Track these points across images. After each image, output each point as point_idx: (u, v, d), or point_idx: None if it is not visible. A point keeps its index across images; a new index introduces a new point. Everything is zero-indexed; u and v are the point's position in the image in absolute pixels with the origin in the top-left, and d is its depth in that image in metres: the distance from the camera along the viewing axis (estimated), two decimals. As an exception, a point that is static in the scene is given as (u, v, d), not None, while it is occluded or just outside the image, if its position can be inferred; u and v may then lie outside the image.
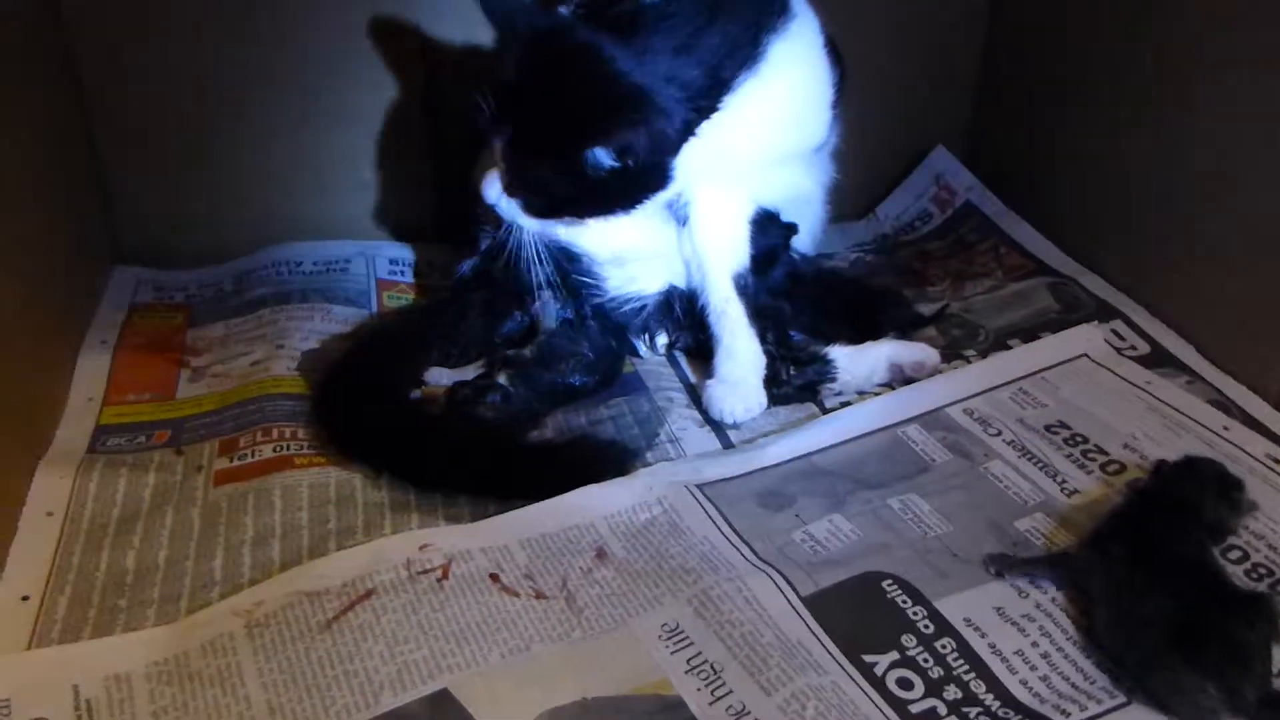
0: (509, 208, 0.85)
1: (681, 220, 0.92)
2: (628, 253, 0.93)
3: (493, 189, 0.85)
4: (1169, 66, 0.98)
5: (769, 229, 0.94)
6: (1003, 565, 0.72)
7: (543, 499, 0.76)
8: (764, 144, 0.88)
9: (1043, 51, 1.15)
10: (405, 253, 1.11)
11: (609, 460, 0.81)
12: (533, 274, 0.89)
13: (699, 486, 0.79)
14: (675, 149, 0.83)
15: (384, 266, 1.09)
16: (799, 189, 0.97)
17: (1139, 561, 0.67)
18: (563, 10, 0.87)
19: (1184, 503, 0.73)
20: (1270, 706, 0.59)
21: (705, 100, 0.83)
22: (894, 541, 0.75)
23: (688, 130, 0.83)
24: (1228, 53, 0.91)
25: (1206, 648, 0.61)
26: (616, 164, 0.81)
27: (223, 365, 0.94)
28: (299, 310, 1.00)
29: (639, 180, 0.84)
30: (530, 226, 0.87)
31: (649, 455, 0.84)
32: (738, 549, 0.73)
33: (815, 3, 0.95)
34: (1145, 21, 1.00)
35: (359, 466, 0.80)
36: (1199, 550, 0.70)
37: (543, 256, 0.89)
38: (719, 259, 0.91)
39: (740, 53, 0.84)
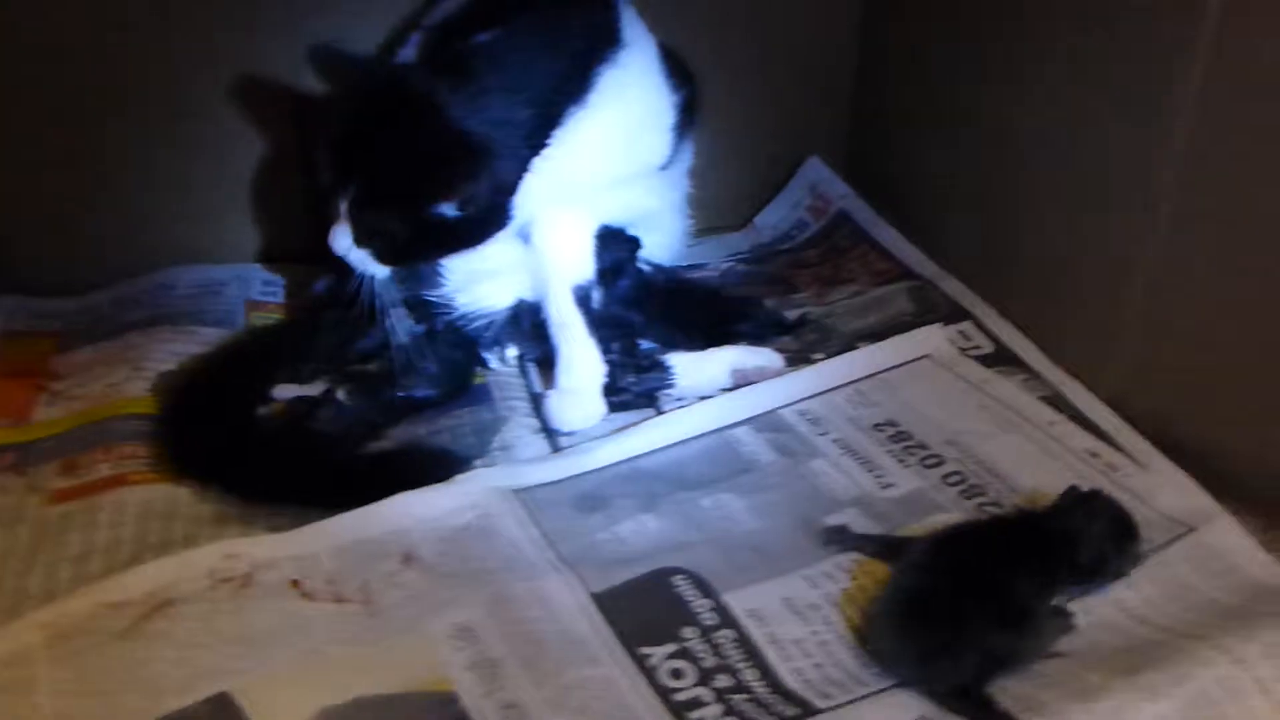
0: (359, 258, 0.87)
1: (525, 238, 0.94)
2: (477, 272, 0.95)
3: (341, 241, 0.86)
4: (1007, 75, 1.00)
5: (613, 244, 0.97)
6: (836, 539, 0.75)
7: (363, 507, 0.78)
8: (598, 170, 0.91)
9: (910, 63, 1.17)
10: (280, 275, 1.14)
11: (435, 468, 0.83)
12: (385, 294, 0.91)
13: (517, 491, 0.81)
14: (514, 189, 0.86)
15: (257, 289, 1.12)
16: (643, 207, 1.00)
17: (956, 564, 0.69)
18: (409, 46, 0.90)
19: (1065, 533, 0.71)
20: (959, 697, 0.62)
21: (538, 137, 0.86)
22: (696, 538, 0.76)
23: (524, 169, 0.86)
24: (1054, 63, 0.94)
25: (922, 620, 0.63)
26: (460, 213, 0.84)
27: (81, 389, 0.95)
28: (165, 333, 1.02)
29: (482, 223, 0.87)
30: (381, 274, 0.89)
31: (478, 463, 0.86)
32: (543, 551, 0.75)
33: (668, 19, 0.99)
34: (991, 36, 1.03)
35: (188, 481, 0.82)
36: (1030, 575, 0.68)
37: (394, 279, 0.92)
38: (559, 274, 0.93)
39: (570, 86, 0.86)
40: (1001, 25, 1.00)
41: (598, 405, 0.91)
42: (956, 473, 0.83)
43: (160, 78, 1.06)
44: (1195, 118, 0.80)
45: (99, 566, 0.75)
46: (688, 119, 1.00)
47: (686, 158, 1.06)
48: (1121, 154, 0.87)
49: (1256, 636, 0.65)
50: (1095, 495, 0.73)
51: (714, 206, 1.19)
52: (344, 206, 0.85)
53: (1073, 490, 0.74)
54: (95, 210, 1.10)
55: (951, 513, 0.79)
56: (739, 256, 1.23)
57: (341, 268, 0.90)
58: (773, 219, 1.27)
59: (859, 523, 0.78)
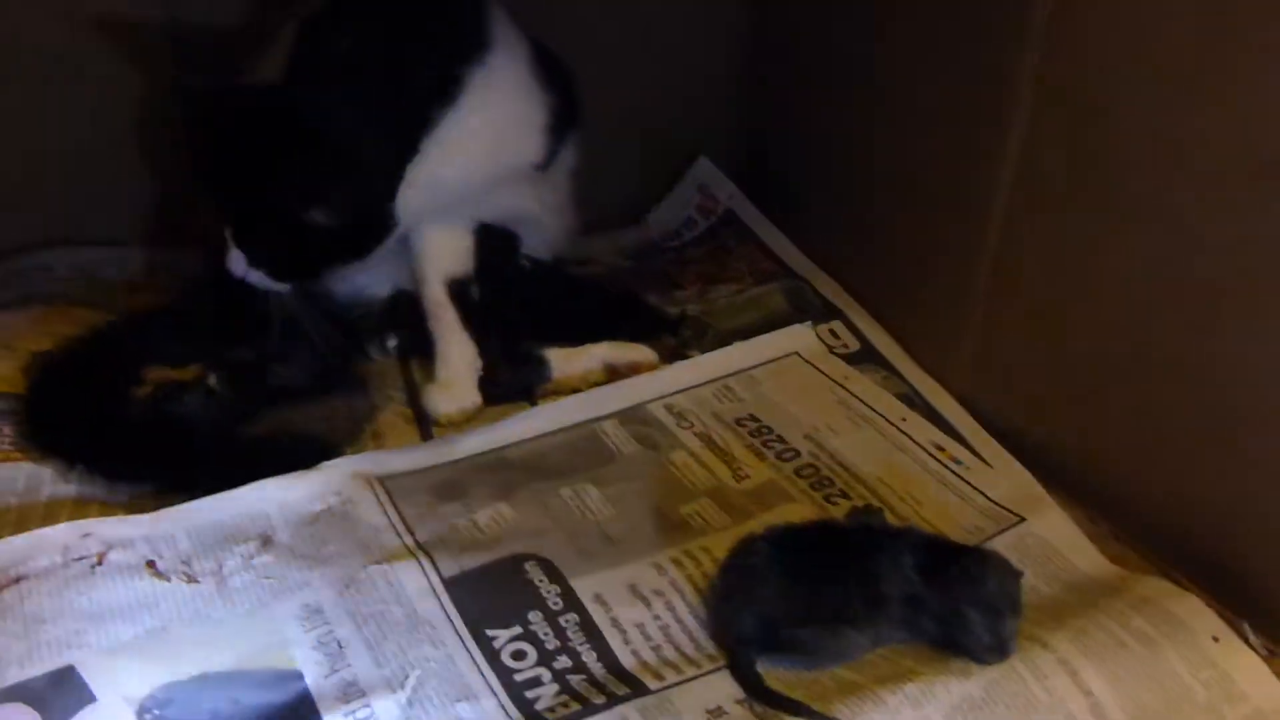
0: (258, 278, 0.88)
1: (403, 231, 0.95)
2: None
3: (238, 265, 0.87)
4: (866, 79, 1.05)
5: (490, 240, 0.98)
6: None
7: (228, 489, 0.80)
8: (471, 172, 0.92)
9: (792, 65, 1.21)
10: (163, 256, 1.13)
11: (302, 454, 0.84)
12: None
13: (380, 479, 0.83)
14: (391, 194, 0.87)
15: (137, 269, 1.11)
16: (521, 208, 1.01)
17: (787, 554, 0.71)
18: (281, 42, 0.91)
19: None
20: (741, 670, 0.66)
21: (407, 141, 0.87)
22: (551, 526, 0.79)
23: (396, 173, 0.87)
24: (902, 65, 0.99)
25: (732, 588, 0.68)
26: (336, 222, 0.85)
27: (-50, 368, 0.95)
28: (38, 313, 1.02)
29: (364, 229, 0.88)
30: (283, 288, 0.89)
31: (348, 450, 0.87)
32: (400, 536, 0.77)
33: (555, 17, 1.01)
34: (856, 38, 1.06)
35: (52, 460, 0.83)
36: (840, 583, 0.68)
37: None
38: (433, 268, 0.95)
39: (437, 88, 0.87)
40: (868, 34, 1.04)
41: (472, 396, 0.93)
42: (810, 466, 0.87)
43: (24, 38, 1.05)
44: (1029, 115, 0.84)
45: (-50, 543, 0.76)
46: (564, 120, 1.01)
47: (568, 159, 1.07)
48: (959, 153, 0.92)
49: (1067, 622, 0.69)
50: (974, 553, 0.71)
51: (606, 203, 1.22)
52: (228, 233, 0.85)
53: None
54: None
55: (800, 503, 0.82)
56: (626, 253, 1.26)
57: (219, 252, 0.91)
58: (663, 217, 1.30)
59: (710, 512, 0.81)
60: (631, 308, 1.09)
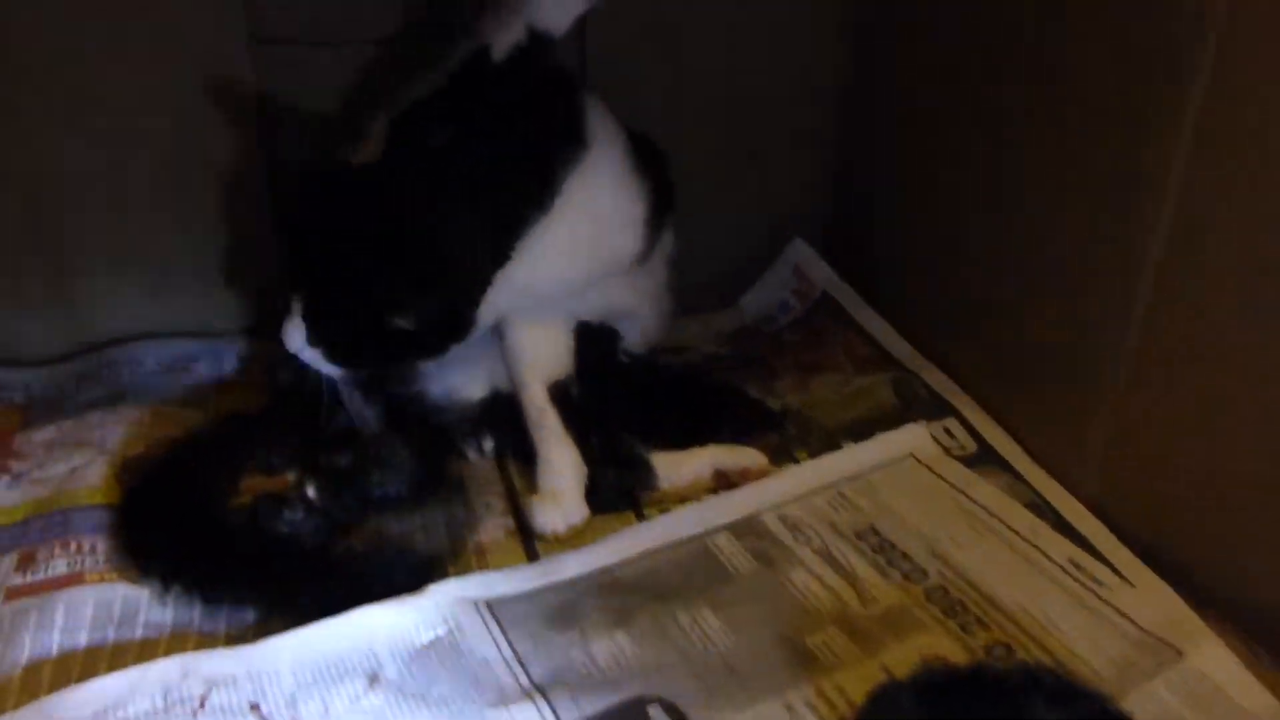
0: (311, 357, 0.85)
1: (499, 334, 0.92)
2: (449, 361, 0.93)
3: (294, 338, 0.84)
4: (985, 159, 0.99)
5: (590, 339, 0.95)
6: None
7: (329, 615, 0.76)
8: (565, 275, 0.89)
9: (891, 146, 1.17)
10: (256, 348, 1.11)
11: (405, 574, 0.80)
12: (346, 386, 0.89)
13: (488, 603, 0.79)
14: (474, 301, 0.84)
15: (230, 365, 1.09)
16: (621, 303, 0.98)
17: None
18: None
19: None
20: None
21: (499, 248, 0.84)
22: (673, 660, 0.74)
23: (485, 282, 0.84)
24: (1032, 149, 0.93)
25: None
26: (414, 326, 0.82)
27: (42, 471, 0.93)
28: (131, 413, 0.99)
29: (439, 335, 0.85)
30: (335, 374, 0.87)
31: (451, 567, 0.84)
32: (514, 673, 0.73)
33: (647, 102, 0.98)
34: (969, 122, 1.02)
35: (148, 581, 0.80)
36: None
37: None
38: (533, 372, 0.91)
39: (531, 192, 0.84)
40: (979, 110, 1.00)
41: (580, 508, 0.89)
42: (940, 588, 0.81)
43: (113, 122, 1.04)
44: (1177, 208, 0.78)
45: (49, 676, 0.73)
46: (661, 207, 0.97)
47: (665, 245, 1.04)
48: (1100, 241, 0.86)
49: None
50: None
51: (699, 287, 1.18)
52: (297, 306, 0.83)
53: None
54: (60, 276, 1.08)
55: (933, 633, 0.77)
56: (722, 339, 1.21)
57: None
58: (757, 300, 1.26)
59: (838, 643, 0.76)
60: (733, 403, 1.04)
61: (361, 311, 0.82)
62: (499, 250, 0.83)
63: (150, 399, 1.02)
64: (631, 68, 1.11)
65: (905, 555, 0.85)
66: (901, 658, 0.75)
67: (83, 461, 0.93)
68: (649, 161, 0.97)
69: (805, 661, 0.75)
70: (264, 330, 1.11)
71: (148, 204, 1.06)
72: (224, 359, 1.09)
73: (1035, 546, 0.85)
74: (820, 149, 1.24)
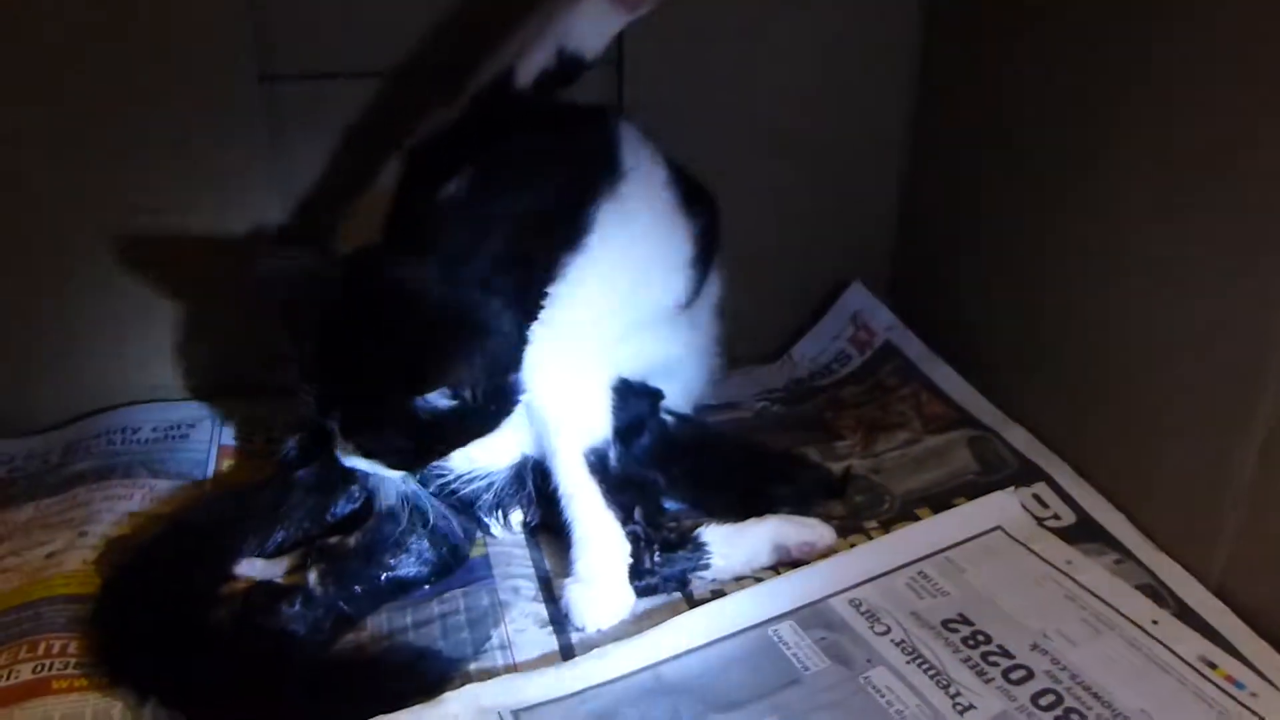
0: (372, 466, 0.75)
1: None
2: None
3: (350, 459, 0.74)
4: (1086, 194, 0.88)
5: (630, 399, 0.84)
6: None
7: (331, 730, 0.65)
8: (606, 324, 0.79)
9: (963, 182, 1.06)
10: (263, 411, 1.00)
11: (418, 678, 0.69)
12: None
13: (516, 713, 0.67)
14: (517, 364, 0.74)
15: (237, 427, 0.99)
16: (663, 355, 0.88)
17: None
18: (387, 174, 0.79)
19: None
20: None
21: (532, 298, 0.74)
22: (738, 788, 0.62)
23: (522, 338, 0.74)
24: (1145, 189, 0.82)
25: None
26: (455, 402, 0.71)
27: (16, 558, 0.82)
28: (119, 487, 0.89)
29: (488, 406, 0.74)
30: (398, 475, 0.78)
31: (472, 667, 0.72)
32: (545, 801, 0.61)
33: (690, 137, 0.88)
34: (1072, 147, 0.90)
35: (122, 692, 0.69)
36: None
37: None
38: (567, 438, 0.80)
39: (562, 230, 0.75)
40: (1085, 136, 0.88)
41: (626, 596, 0.78)
42: (1049, 691, 0.68)
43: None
44: None
45: (4, 809, 0.62)
46: (708, 250, 0.88)
47: (712, 292, 0.94)
48: (1232, 287, 0.74)
49: None
50: None
51: (746, 337, 1.07)
52: (335, 428, 0.73)
53: None
54: (43, 338, 0.98)
55: (1048, 748, 0.64)
56: (774, 395, 1.10)
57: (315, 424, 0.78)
58: (811, 351, 1.14)
59: (934, 762, 0.64)
60: (789, 469, 0.93)
61: (394, 406, 0.71)
62: (532, 299, 0.73)
63: (144, 471, 0.92)
64: (673, 97, 1.01)
65: (1003, 650, 0.72)
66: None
67: (62, 545, 0.83)
68: (694, 199, 0.87)
69: (898, 789, 0.62)
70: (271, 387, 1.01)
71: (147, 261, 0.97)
72: (227, 422, 0.99)
73: (1158, 641, 0.72)
74: (883, 187, 1.13)
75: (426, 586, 0.80)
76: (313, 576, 0.75)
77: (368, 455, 0.73)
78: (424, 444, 0.73)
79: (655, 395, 0.88)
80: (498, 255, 0.72)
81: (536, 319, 0.74)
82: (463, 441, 0.75)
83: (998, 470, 0.92)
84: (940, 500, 0.89)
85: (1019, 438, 0.95)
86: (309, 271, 0.71)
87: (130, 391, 1.00)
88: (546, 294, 0.74)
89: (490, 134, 0.79)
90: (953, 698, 0.68)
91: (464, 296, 0.70)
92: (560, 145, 0.80)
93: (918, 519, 0.87)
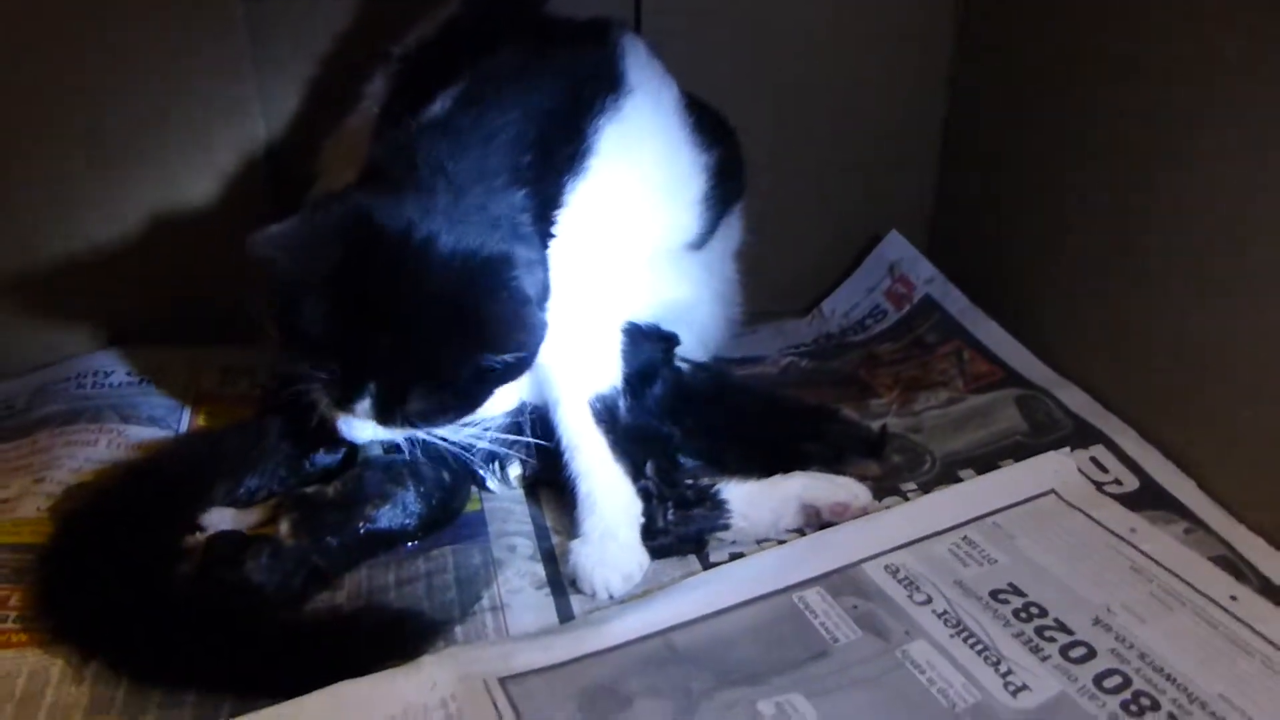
0: (388, 434, 0.67)
1: None
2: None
3: (363, 430, 0.66)
4: (1165, 140, 0.78)
5: (641, 343, 0.76)
6: None
7: (290, 696, 0.57)
8: (610, 255, 0.71)
9: (1008, 127, 0.97)
10: (246, 357, 0.92)
11: (396, 640, 0.61)
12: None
13: (503, 681, 0.59)
14: (548, 293, 0.66)
15: (214, 376, 0.91)
16: (675, 297, 0.80)
17: None
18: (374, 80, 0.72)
19: None
20: None
21: (543, 223, 0.66)
22: (755, 771, 0.54)
23: (544, 267, 0.66)
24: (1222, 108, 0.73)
25: None
26: (522, 353, 0.64)
27: (-32, 504, 0.75)
28: (83, 433, 0.82)
29: (526, 348, 0.65)
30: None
31: (458, 630, 0.64)
32: (534, 782, 0.53)
33: (716, 77, 0.80)
34: (1123, 84, 0.81)
35: (64, 648, 0.61)
36: None
37: None
38: (572, 383, 0.72)
39: (564, 150, 0.67)
40: (1141, 73, 0.79)
41: (639, 557, 0.70)
42: (1114, 672, 0.60)
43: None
44: None
45: (-80, 773, 0.54)
46: (726, 186, 0.81)
47: (731, 235, 0.86)
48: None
49: None
50: None
51: (772, 290, 0.99)
52: (365, 405, 0.64)
53: None
54: (19, 277, 0.91)
55: (1118, 738, 0.56)
56: (801, 349, 1.02)
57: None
58: (843, 305, 1.06)
59: (982, 748, 0.55)
60: (820, 424, 0.84)
61: (463, 370, 0.64)
62: (545, 221, 0.66)
63: (113, 416, 0.84)
64: (698, 35, 0.94)
65: (1060, 625, 0.63)
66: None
67: (16, 491, 0.76)
68: (711, 130, 0.79)
69: (941, 776, 0.54)
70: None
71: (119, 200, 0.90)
72: (206, 368, 0.91)
73: (1239, 619, 0.63)
74: (924, 132, 1.04)
75: (412, 543, 0.72)
76: (284, 526, 0.68)
77: (402, 422, 0.64)
78: (470, 401, 0.66)
79: (669, 340, 0.80)
80: (509, 179, 0.64)
81: (546, 247, 0.66)
82: (497, 389, 0.67)
83: (1049, 431, 0.83)
84: (986, 462, 0.81)
85: (1074, 398, 0.86)
86: (304, 242, 0.62)
87: (104, 336, 0.93)
88: (553, 220, 0.66)
89: (483, 43, 0.71)
90: (1003, 676, 0.60)
91: (485, 226, 0.63)
92: (558, 57, 0.72)
93: (961, 481, 0.79)
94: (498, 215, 0.63)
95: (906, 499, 0.77)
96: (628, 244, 0.72)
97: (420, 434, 0.67)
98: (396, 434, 0.66)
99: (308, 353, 0.62)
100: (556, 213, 0.67)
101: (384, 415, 0.64)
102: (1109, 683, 0.59)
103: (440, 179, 0.63)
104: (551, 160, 0.67)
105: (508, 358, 0.63)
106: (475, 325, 0.61)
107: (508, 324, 0.62)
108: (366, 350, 0.62)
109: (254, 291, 0.64)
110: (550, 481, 0.77)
